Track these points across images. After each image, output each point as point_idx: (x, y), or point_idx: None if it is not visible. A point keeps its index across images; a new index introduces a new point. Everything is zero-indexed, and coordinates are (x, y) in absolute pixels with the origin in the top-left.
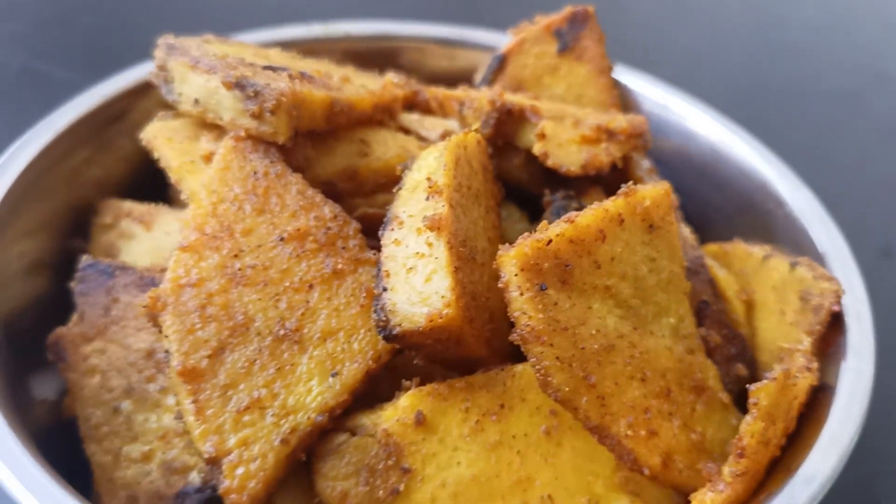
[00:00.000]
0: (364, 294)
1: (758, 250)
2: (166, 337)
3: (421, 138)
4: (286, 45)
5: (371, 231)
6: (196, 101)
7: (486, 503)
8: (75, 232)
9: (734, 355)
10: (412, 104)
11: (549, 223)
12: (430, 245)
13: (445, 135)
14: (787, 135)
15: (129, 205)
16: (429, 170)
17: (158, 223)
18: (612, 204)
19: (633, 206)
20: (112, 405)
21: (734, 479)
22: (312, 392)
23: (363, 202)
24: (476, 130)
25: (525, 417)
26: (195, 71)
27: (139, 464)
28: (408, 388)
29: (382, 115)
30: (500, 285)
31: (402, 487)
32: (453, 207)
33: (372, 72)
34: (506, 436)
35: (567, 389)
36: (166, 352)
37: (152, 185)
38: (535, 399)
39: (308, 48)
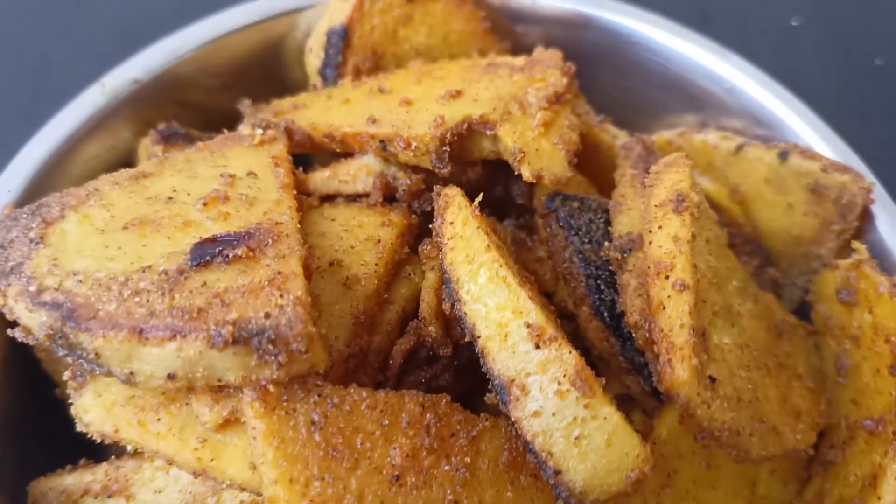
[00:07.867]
0: (504, 468)
1: (720, 140)
2: None
3: (351, 197)
4: (88, 134)
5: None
6: (171, 377)
7: None
8: None
9: (762, 264)
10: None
11: (568, 239)
12: (588, 407)
13: (384, 182)
14: None
15: (69, 480)
16: (496, 300)
17: (135, 486)
18: (682, 230)
19: (688, 212)
20: None
21: None
22: None
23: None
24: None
25: (689, 468)
26: (149, 343)
27: None
28: None
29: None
30: (678, 405)
31: None
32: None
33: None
34: (681, 492)
35: (761, 454)
36: None
37: None
38: (687, 447)
39: (101, 121)
